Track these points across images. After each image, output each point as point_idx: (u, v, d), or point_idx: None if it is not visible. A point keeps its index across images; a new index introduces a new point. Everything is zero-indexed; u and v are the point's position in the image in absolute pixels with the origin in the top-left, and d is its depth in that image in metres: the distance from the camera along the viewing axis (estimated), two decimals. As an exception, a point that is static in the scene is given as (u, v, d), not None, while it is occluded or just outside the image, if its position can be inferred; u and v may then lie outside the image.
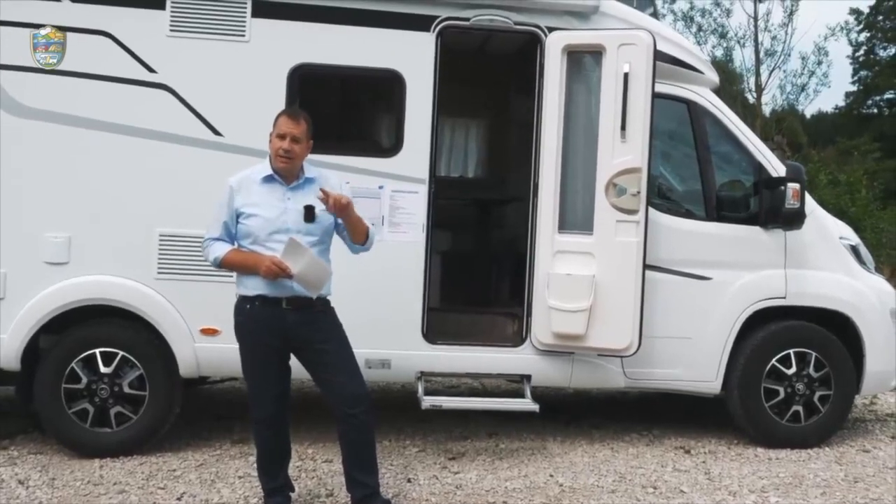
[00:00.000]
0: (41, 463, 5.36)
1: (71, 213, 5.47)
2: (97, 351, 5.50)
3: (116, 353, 5.51)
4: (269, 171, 4.34)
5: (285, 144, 4.26)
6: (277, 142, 4.29)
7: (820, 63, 34.84)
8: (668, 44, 5.91)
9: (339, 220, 4.38)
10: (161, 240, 5.54)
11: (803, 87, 35.21)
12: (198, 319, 5.57)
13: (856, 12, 38.05)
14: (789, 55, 34.79)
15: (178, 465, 5.37)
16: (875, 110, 38.80)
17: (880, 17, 37.68)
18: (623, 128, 5.54)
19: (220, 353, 5.52)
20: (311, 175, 4.40)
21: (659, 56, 5.61)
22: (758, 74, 33.88)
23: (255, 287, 4.27)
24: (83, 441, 5.49)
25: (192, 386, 6.19)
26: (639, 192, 5.54)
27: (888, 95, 37.89)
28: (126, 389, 5.52)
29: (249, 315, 4.34)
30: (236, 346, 5.37)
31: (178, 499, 4.79)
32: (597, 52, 5.65)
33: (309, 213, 4.29)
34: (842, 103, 40.31)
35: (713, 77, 6.30)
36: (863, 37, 38.44)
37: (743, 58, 35.01)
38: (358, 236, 4.42)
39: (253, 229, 4.25)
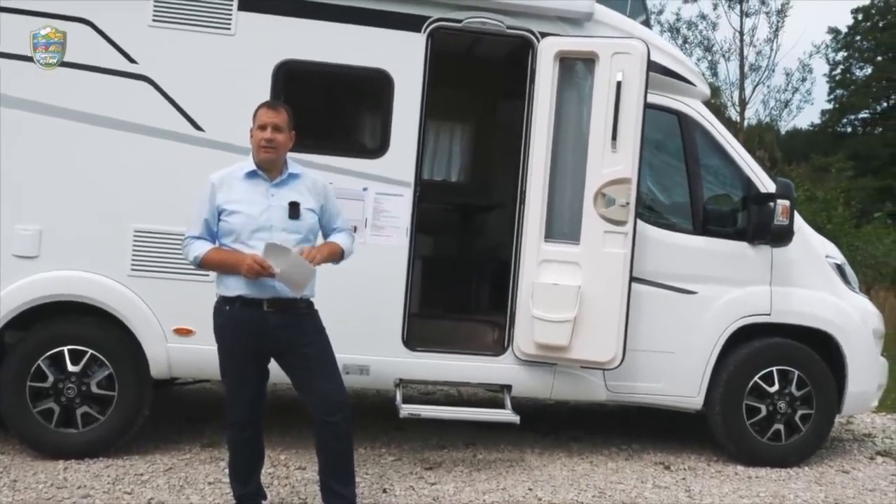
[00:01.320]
0: (2, 464, 5.16)
1: (42, 206, 5.28)
2: (65, 349, 5.31)
3: (85, 352, 5.33)
4: (252, 167, 4.20)
5: (267, 134, 4.14)
6: (259, 133, 4.16)
7: (804, 80, 35.22)
8: (661, 54, 5.83)
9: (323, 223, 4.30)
10: (136, 236, 5.37)
11: (787, 104, 35.56)
12: (171, 319, 5.40)
13: (834, 31, 38.51)
14: (773, 70, 35.10)
15: (146, 469, 5.20)
16: (849, 129, 39.23)
17: (858, 37, 38.11)
18: (614, 137, 5.45)
19: (193, 354, 5.38)
20: (295, 171, 4.27)
21: (651, 66, 5.53)
22: (742, 89, 34.14)
23: (235, 287, 4.12)
24: (47, 442, 5.30)
25: (161, 387, 6.01)
26: (628, 204, 5.45)
27: (863, 115, 38.33)
28: (94, 389, 5.34)
29: (229, 316, 4.19)
30: (210, 347, 5.21)
31: (146, 505, 4.63)
32: (590, 60, 5.56)
33: (294, 210, 4.15)
34: (817, 121, 40.72)
35: (705, 89, 6.24)
36: (840, 56, 38.86)
37: (728, 72, 35.30)
38: (334, 262, 4.35)
39: (235, 227, 4.11)
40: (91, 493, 4.74)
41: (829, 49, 38.36)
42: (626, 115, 5.45)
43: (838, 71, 39.22)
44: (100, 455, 5.32)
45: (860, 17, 38.56)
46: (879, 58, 37.91)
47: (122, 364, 5.37)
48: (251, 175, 4.20)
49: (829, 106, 39.66)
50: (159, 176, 5.37)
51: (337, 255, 4.32)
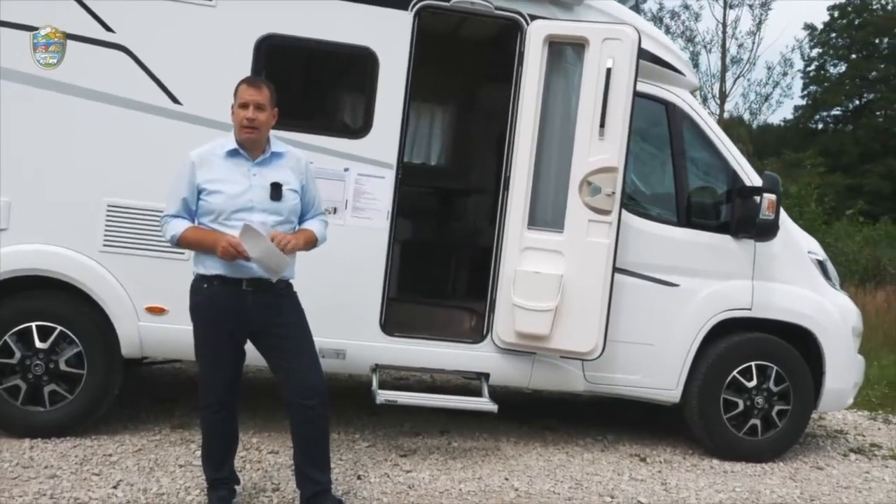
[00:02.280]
0: (-35, 441, 5.02)
1: (11, 177, 5.09)
2: (33, 324, 5.16)
3: (54, 328, 5.18)
4: (234, 145, 4.07)
5: (249, 113, 4.00)
6: (240, 112, 4.02)
7: (785, 74, 35.42)
8: (650, 42, 5.74)
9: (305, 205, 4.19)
10: (109, 210, 5.20)
11: (767, 97, 35.75)
12: (144, 297, 5.26)
13: (810, 28, 38.73)
14: (755, 63, 35.31)
15: (115, 450, 5.07)
16: (821, 125, 39.55)
17: (833, 35, 38.35)
18: (602, 125, 5.36)
19: (165, 333, 5.27)
20: (278, 150, 4.15)
21: (641, 54, 5.45)
22: (723, 81, 34.24)
23: (213, 266, 4.00)
24: (13, 420, 5.15)
25: (131, 366, 5.86)
26: (613, 193, 5.38)
27: (835, 112, 38.64)
28: (62, 367, 5.19)
29: (207, 295, 4.07)
30: (183, 326, 5.08)
31: (115, 487, 4.49)
32: (579, 45, 5.46)
33: (276, 191, 4.04)
34: (790, 117, 41.00)
35: (693, 79, 6.17)
36: (815, 52, 39.10)
37: (709, 63, 35.35)
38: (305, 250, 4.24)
39: (215, 206, 3.98)
40: (58, 474, 4.61)
41: (805, 45, 38.66)
42: (614, 102, 5.37)
43: (813, 67, 39.48)
44: (67, 434, 5.19)
45: (836, 14, 38.83)
46: (854, 55, 38.21)
47: (91, 342, 5.23)
48: (232, 153, 4.07)
49: (803, 102, 39.99)
50: (134, 150, 5.21)
51: (311, 243, 4.21)
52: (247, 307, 4.04)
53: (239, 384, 4.26)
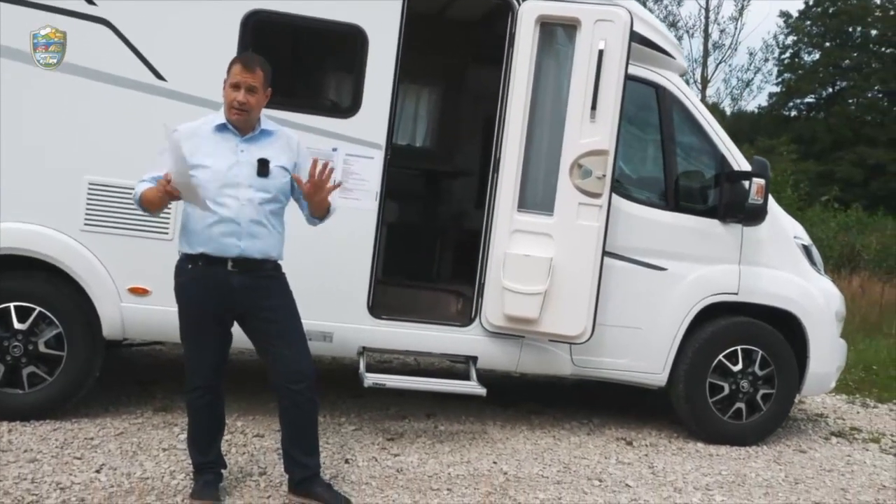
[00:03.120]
0: (-58, 424, 4.90)
1: (-11, 154, 4.96)
2: (11, 305, 5.03)
3: (33, 309, 5.05)
4: (223, 121, 3.98)
5: (240, 96, 3.90)
6: (231, 92, 3.92)
7: (766, 60, 35.53)
8: (641, 24, 5.68)
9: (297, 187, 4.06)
10: (90, 189, 5.08)
11: (748, 83, 35.87)
12: (126, 277, 5.15)
13: (785, 15, 38.89)
14: (736, 49, 35.39)
15: (96, 433, 4.97)
16: (794, 113, 39.80)
17: (808, 22, 38.56)
18: (593, 107, 5.32)
19: (148, 314, 5.17)
20: (268, 128, 4.06)
21: (632, 36, 5.40)
22: (705, 66, 34.31)
23: (198, 244, 3.92)
24: (-9, 402, 5.03)
25: (112, 348, 5.75)
26: (604, 176, 5.34)
27: (809, 99, 38.90)
28: (42, 348, 5.07)
29: (191, 275, 3.98)
30: (166, 307, 5.00)
31: (97, 471, 4.39)
32: (571, 26, 5.41)
33: (263, 167, 3.94)
34: (765, 104, 41.23)
35: (683, 63, 6.15)
36: (790, 40, 39.31)
37: (691, 48, 35.37)
38: (318, 212, 4.13)
39: (201, 182, 3.86)
40: (38, 458, 4.50)
41: (780, 32, 38.83)
42: (606, 84, 5.33)
43: (787, 55, 39.71)
44: (47, 417, 5.08)
45: (811, 1, 39.01)
46: (827, 44, 38.46)
47: (72, 323, 5.11)
48: (221, 129, 3.98)
49: (777, 89, 40.21)
50: (117, 126, 5.09)
51: (328, 204, 4.11)
52: (233, 288, 3.96)
53: (225, 367, 4.18)
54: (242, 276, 3.96)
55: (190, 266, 3.99)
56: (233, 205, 3.90)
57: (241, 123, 3.97)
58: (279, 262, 4.13)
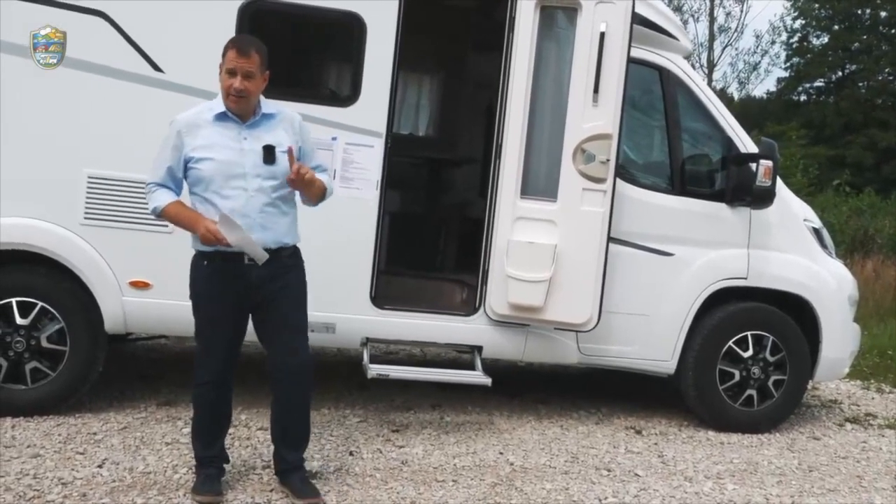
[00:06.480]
0: (-55, 421, 4.87)
1: (-12, 148, 4.92)
2: (13, 300, 5.00)
3: (35, 304, 5.02)
4: (222, 108, 3.90)
5: (236, 83, 3.82)
6: (227, 79, 3.84)
7: (773, 42, 35.19)
8: (644, 6, 5.59)
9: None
10: (90, 182, 5.04)
11: (755, 66, 35.56)
12: (127, 271, 5.11)
13: (792, -1, 38.50)
14: (742, 32, 35.06)
15: (100, 428, 4.94)
16: (804, 97, 39.45)
17: (815, 6, 38.17)
18: (595, 91, 5.24)
19: (149, 308, 5.15)
20: (269, 111, 3.98)
21: (634, 18, 5.31)
22: (711, 50, 34.01)
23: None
24: (-6, 398, 5.00)
25: (115, 342, 5.72)
26: (608, 160, 5.26)
27: (818, 83, 38.54)
28: (44, 343, 5.04)
29: (208, 271, 3.93)
30: (168, 301, 5.00)
31: (100, 466, 4.36)
32: (572, 9, 5.33)
33: (269, 154, 3.87)
34: (773, 89, 40.86)
35: (687, 45, 6.04)
36: (798, 24, 38.93)
37: (696, 32, 35.08)
38: (311, 199, 4.07)
39: (206, 175, 3.82)
40: (41, 453, 4.47)
41: (787, 14, 38.48)
42: (608, 68, 5.25)
43: (795, 39, 39.33)
44: (50, 413, 5.05)
45: (819, -16, 38.62)
46: (836, 27, 38.09)
47: (74, 318, 5.08)
48: (221, 117, 3.90)
49: (786, 74, 39.84)
50: (115, 119, 5.05)
51: (322, 191, 4.05)
52: (250, 281, 3.91)
53: (236, 362, 4.13)
54: (260, 268, 3.90)
55: (206, 262, 3.93)
56: (241, 196, 3.84)
57: (241, 110, 3.89)
58: (296, 245, 4.07)
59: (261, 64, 3.89)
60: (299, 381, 4.10)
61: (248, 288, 3.91)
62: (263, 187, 3.85)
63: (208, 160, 3.82)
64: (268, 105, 4.00)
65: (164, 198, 3.91)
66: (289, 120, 4.03)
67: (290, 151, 3.85)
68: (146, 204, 4.01)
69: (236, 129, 3.89)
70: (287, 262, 4.00)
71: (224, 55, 3.88)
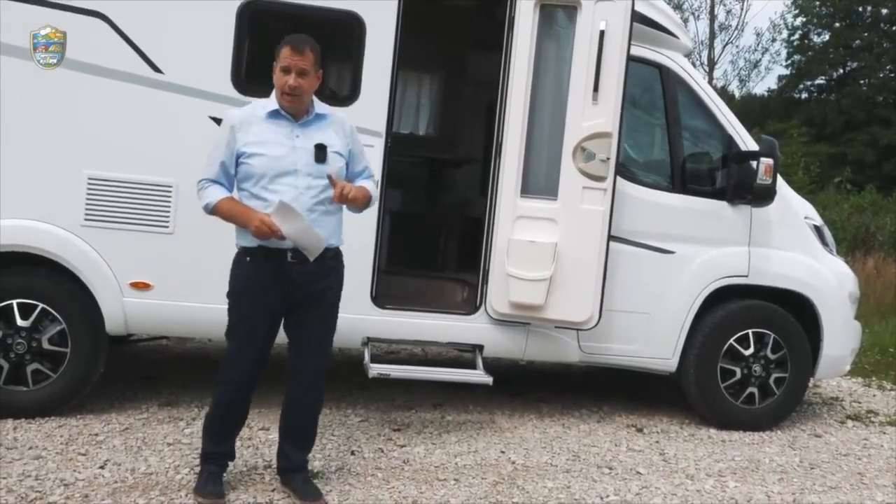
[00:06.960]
0: (-53, 423, 4.87)
1: (-12, 150, 4.92)
2: (14, 302, 4.99)
3: (36, 306, 5.02)
4: (276, 106, 3.89)
5: (291, 80, 3.80)
6: (281, 77, 3.83)
7: (774, 40, 35.17)
8: (644, 4, 5.58)
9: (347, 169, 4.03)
10: (90, 183, 5.03)
11: (756, 64, 35.54)
12: (128, 272, 5.11)
13: (793, -5, 38.48)
14: (743, 30, 35.05)
15: (101, 429, 4.94)
16: (805, 95, 39.42)
17: (816, 3, 38.15)
18: (595, 89, 5.24)
19: (150, 309, 5.15)
20: (322, 111, 3.98)
21: (634, 16, 5.31)
22: (711, 48, 34.01)
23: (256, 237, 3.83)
24: (-5, 400, 5.00)
25: (116, 343, 5.72)
26: (608, 159, 5.26)
27: (819, 81, 38.51)
28: (45, 345, 5.04)
29: (249, 268, 3.92)
30: (169, 302, 4.98)
31: (101, 467, 4.36)
32: (571, 8, 5.33)
33: (320, 153, 3.86)
34: (774, 86, 40.84)
35: (687, 43, 6.04)
36: (799, 21, 38.91)
37: (697, 31, 35.06)
38: (357, 208, 4.05)
39: (256, 170, 3.81)
40: (43, 454, 4.47)
41: (787, 12, 38.44)
42: (608, 66, 5.25)
43: (796, 36, 39.31)
44: (52, 414, 5.05)
45: (820, -19, 38.60)
46: (837, 24, 38.06)
47: (75, 319, 5.07)
48: (274, 115, 3.89)
49: (787, 72, 39.82)
50: (115, 120, 5.04)
51: (367, 200, 4.03)
52: (292, 280, 3.89)
53: (267, 362, 4.09)
54: (303, 265, 3.89)
55: (248, 259, 3.92)
56: (290, 193, 3.82)
57: (294, 108, 3.89)
58: (339, 247, 4.07)
59: (315, 62, 3.88)
60: (317, 383, 4.11)
61: (290, 286, 3.89)
62: (313, 186, 3.84)
63: (260, 156, 3.81)
64: (320, 106, 4.00)
65: (216, 193, 3.90)
66: (339, 122, 4.03)
67: (329, 177, 3.83)
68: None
69: (289, 127, 3.88)
70: (330, 263, 4.00)
71: (278, 54, 3.87)
